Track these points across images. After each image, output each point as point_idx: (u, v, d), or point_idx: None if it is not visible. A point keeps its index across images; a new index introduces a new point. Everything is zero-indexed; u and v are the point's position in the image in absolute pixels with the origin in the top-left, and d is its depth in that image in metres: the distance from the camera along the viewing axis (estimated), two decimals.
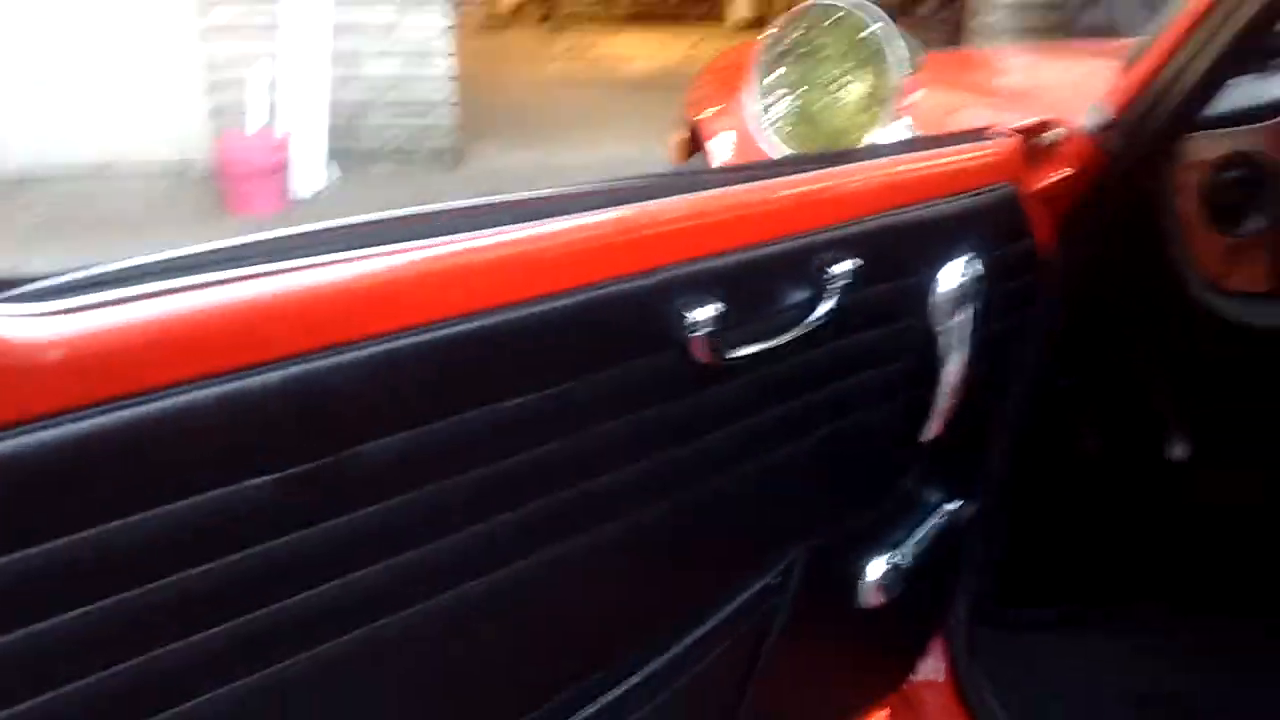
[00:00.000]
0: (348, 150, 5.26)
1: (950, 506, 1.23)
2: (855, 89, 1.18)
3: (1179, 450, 1.62)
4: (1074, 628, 1.60)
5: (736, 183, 0.88)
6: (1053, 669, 1.52)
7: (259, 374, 0.58)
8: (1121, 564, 1.73)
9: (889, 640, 1.32)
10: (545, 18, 11.28)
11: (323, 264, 0.62)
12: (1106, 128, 1.18)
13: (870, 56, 1.16)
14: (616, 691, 0.90)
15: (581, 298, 0.73)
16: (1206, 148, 1.29)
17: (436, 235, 0.67)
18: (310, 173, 4.96)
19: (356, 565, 0.66)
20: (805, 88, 1.21)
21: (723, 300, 0.80)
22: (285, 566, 0.62)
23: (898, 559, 1.15)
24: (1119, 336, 1.57)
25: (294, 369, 0.59)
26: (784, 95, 1.21)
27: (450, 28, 5.37)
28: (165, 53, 5.10)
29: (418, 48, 5.31)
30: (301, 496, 0.61)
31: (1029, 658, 1.52)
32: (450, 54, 5.38)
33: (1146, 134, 1.15)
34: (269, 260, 0.60)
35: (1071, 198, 1.26)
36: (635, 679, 0.91)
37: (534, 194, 0.79)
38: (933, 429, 1.08)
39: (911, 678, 1.43)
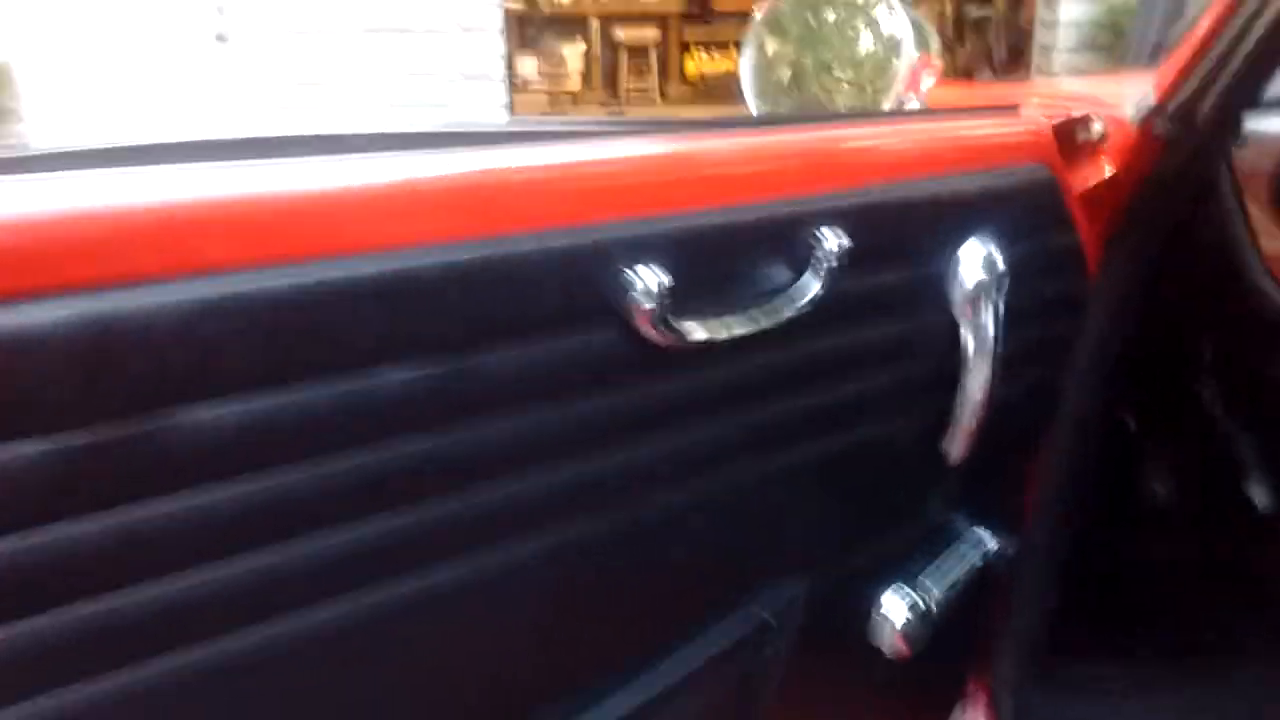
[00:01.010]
0: None
1: (987, 541, 1.08)
2: (862, 57, 1.06)
3: (1262, 497, 1.44)
4: (1143, 689, 1.40)
5: (712, 136, 0.76)
6: None
7: (33, 307, 0.44)
8: (1202, 618, 1.54)
9: (917, 697, 1.15)
10: (605, 103, 11.41)
11: (131, 178, 0.49)
12: (1154, 113, 1.04)
13: (877, 27, 1.04)
14: None
15: (489, 250, 0.59)
16: (1271, 132, 1.15)
17: (301, 155, 0.55)
18: None
19: (162, 570, 0.50)
20: (802, 55, 1.09)
21: (679, 268, 0.67)
22: (60, 558, 0.47)
23: (922, 600, 1.00)
24: (1186, 358, 1.41)
25: (84, 304, 0.46)
26: (778, 61, 1.09)
27: (506, 104, 5.41)
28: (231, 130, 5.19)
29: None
30: (88, 473, 0.47)
31: None
32: None
33: (1199, 114, 1.01)
34: (60, 167, 0.48)
35: (1119, 199, 1.12)
36: None
37: (438, 129, 0.68)
38: (958, 447, 0.94)
39: None
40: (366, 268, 0.55)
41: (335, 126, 0.62)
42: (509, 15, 5.37)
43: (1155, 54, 5.37)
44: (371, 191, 0.57)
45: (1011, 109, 1.04)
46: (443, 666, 0.67)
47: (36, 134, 5.11)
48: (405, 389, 0.57)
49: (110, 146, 0.52)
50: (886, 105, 1.02)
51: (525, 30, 10.27)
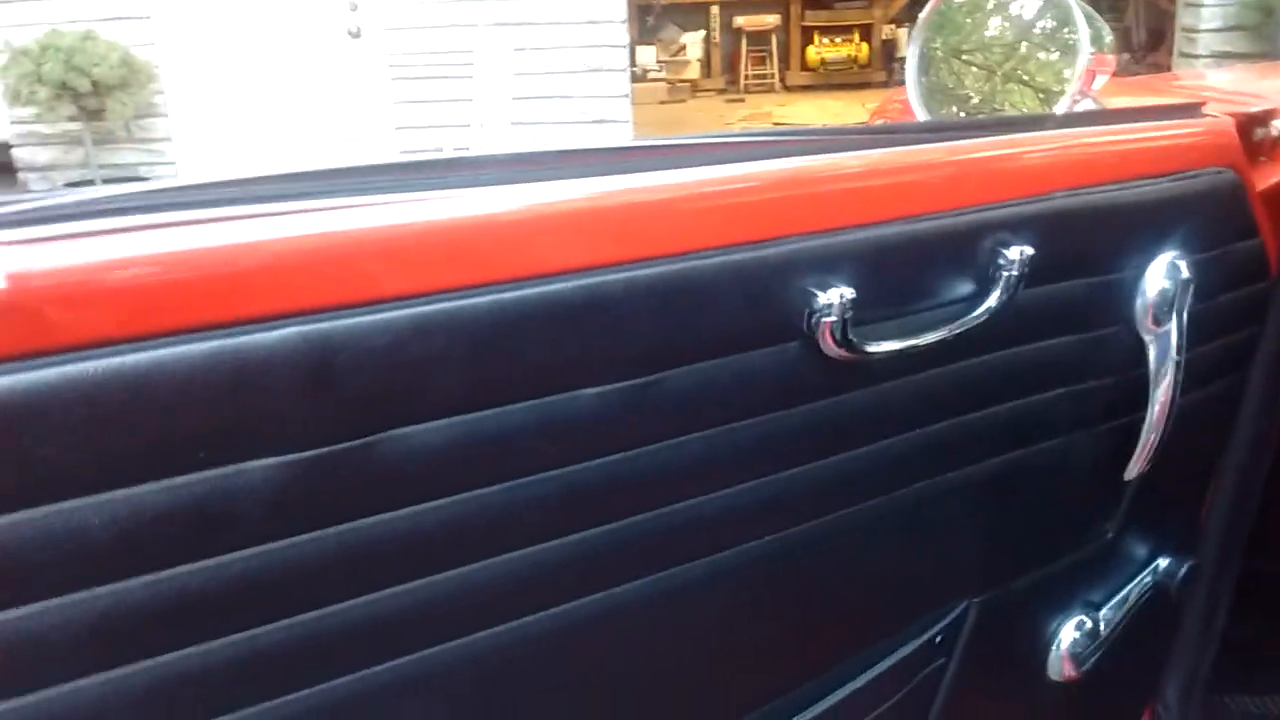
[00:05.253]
0: None
1: (1162, 563, 1.03)
2: (1035, 60, 1.01)
3: None
4: None
5: (887, 145, 0.74)
6: None
7: (262, 330, 0.47)
8: None
9: None
10: (724, 90, 11.36)
11: (349, 206, 0.51)
12: None
13: (1054, 27, 0.99)
14: None
15: (677, 268, 0.59)
16: None
17: (486, 184, 0.56)
18: None
19: (371, 581, 0.53)
20: (972, 57, 1.04)
21: (861, 282, 0.66)
22: (285, 571, 0.50)
23: (1094, 624, 0.96)
24: None
25: (305, 328, 0.48)
26: (945, 63, 1.04)
27: (627, 95, 5.43)
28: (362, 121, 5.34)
29: (595, 114, 5.38)
30: (313, 484, 0.49)
31: None
32: (628, 120, 5.43)
33: None
34: (278, 200, 0.50)
35: None
36: None
37: (623, 144, 0.67)
38: (1138, 464, 0.89)
39: None
40: (560, 288, 0.55)
41: (525, 147, 0.62)
42: (630, 3, 5.38)
43: None
44: (564, 214, 0.57)
45: (1193, 108, 0.98)
46: (621, 681, 0.68)
47: (182, 131, 5.32)
48: (599, 407, 0.58)
49: (297, 173, 0.53)
50: (1060, 108, 0.97)
51: (645, 19, 10.28)
